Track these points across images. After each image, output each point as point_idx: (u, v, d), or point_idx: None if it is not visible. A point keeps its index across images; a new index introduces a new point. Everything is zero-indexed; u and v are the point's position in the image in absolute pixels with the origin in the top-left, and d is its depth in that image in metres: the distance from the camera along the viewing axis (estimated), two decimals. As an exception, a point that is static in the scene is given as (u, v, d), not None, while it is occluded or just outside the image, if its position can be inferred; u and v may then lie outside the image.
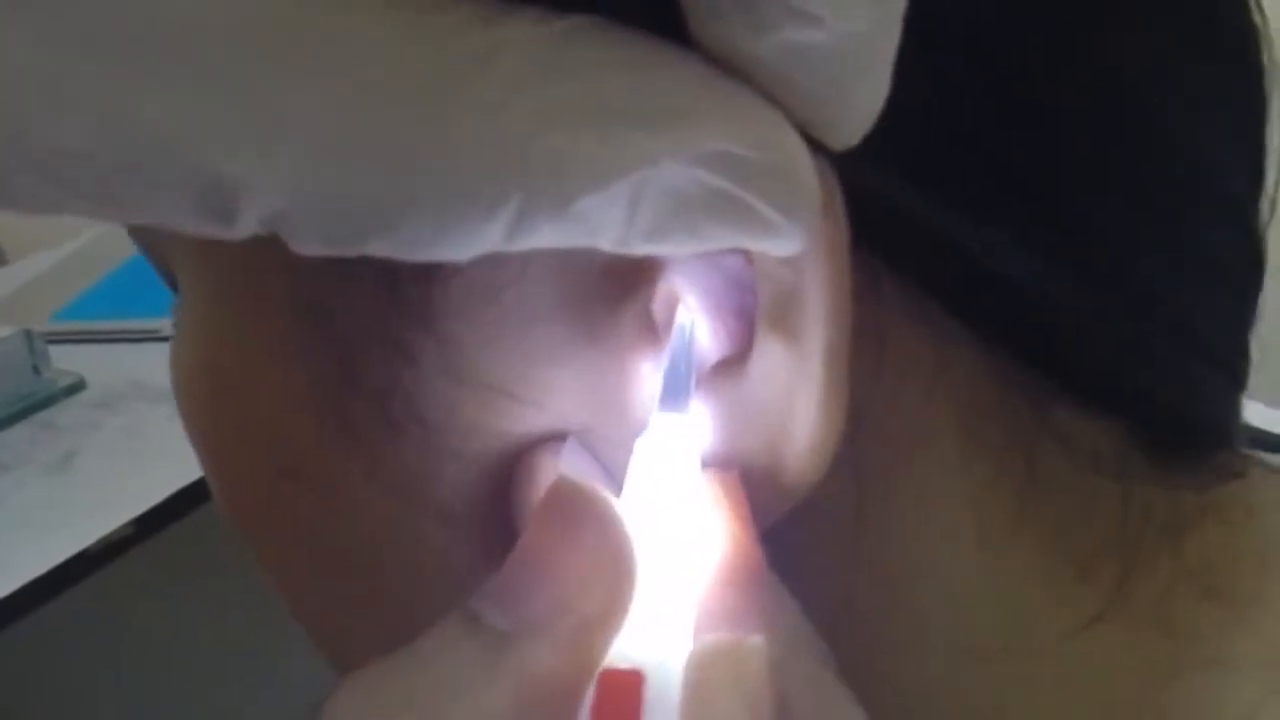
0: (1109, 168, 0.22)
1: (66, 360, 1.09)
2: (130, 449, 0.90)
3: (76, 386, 1.07)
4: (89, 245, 1.33)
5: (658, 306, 0.22)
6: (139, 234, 0.26)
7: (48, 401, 1.06)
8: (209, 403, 0.25)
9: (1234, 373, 0.27)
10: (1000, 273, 0.22)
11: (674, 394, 0.21)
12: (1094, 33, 0.21)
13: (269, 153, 0.15)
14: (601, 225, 0.17)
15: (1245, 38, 0.25)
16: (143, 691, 0.95)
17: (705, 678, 0.20)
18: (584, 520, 0.19)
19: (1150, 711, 0.24)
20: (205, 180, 0.15)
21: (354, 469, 0.23)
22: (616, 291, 0.21)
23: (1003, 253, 0.21)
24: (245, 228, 0.16)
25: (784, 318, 0.20)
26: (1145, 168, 0.23)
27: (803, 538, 0.22)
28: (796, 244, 0.18)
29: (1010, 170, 0.21)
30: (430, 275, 0.21)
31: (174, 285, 0.25)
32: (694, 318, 0.21)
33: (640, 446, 0.21)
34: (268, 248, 0.20)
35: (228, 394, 0.24)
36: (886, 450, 0.23)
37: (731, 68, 0.17)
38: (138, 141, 0.15)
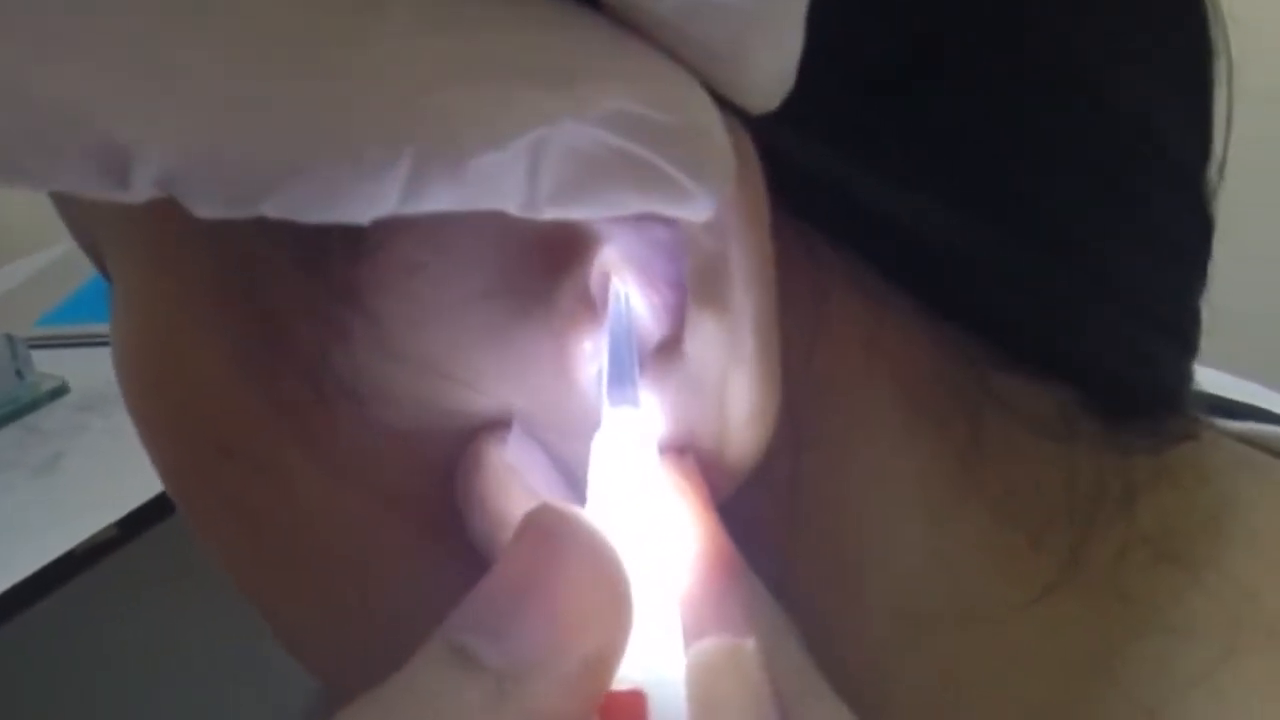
0: (1042, 130, 0.22)
1: (50, 364, 1.10)
2: (114, 451, 0.90)
3: (60, 390, 1.08)
4: (71, 252, 1.33)
5: (594, 283, 0.21)
6: (67, 215, 0.25)
7: (32, 405, 1.07)
8: (144, 382, 0.24)
9: (1184, 338, 0.26)
10: (934, 239, 0.21)
11: (620, 379, 0.20)
12: (1033, 13, 0.21)
13: (157, 114, 0.15)
14: (503, 187, 0.16)
15: (1188, 4, 0.25)
16: (129, 692, 0.96)
17: (710, 688, 0.19)
18: (575, 551, 0.18)
19: (1104, 678, 0.24)
20: (100, 145, 0.15)
21: (290, 447, 0.23)
22: (549, 267, 0.21)
23: (935, 218, 0.21)
24: (141, 191, 0.15)
25: (711, 288, 0.20)
26: (1082, 131, 0.22)
27: (744, 510, 0.22)
28: (709, 209, 0.18)
29: (938, 134, 0.21)
30: (357, 249, 0.21)
31: (104, 269, 0.25)
32: (630, 294, 0.21)
33: (597, 444, 0.21)
34: (191, 223, 0.21)
35: (161, 373, 0.24)
36: (826, 420, 0.22)
37: (638, 28, 0.17)
38: (36, 110, 0.14)
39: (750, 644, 0.19)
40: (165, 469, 0.25)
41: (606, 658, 0.18)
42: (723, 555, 0.21)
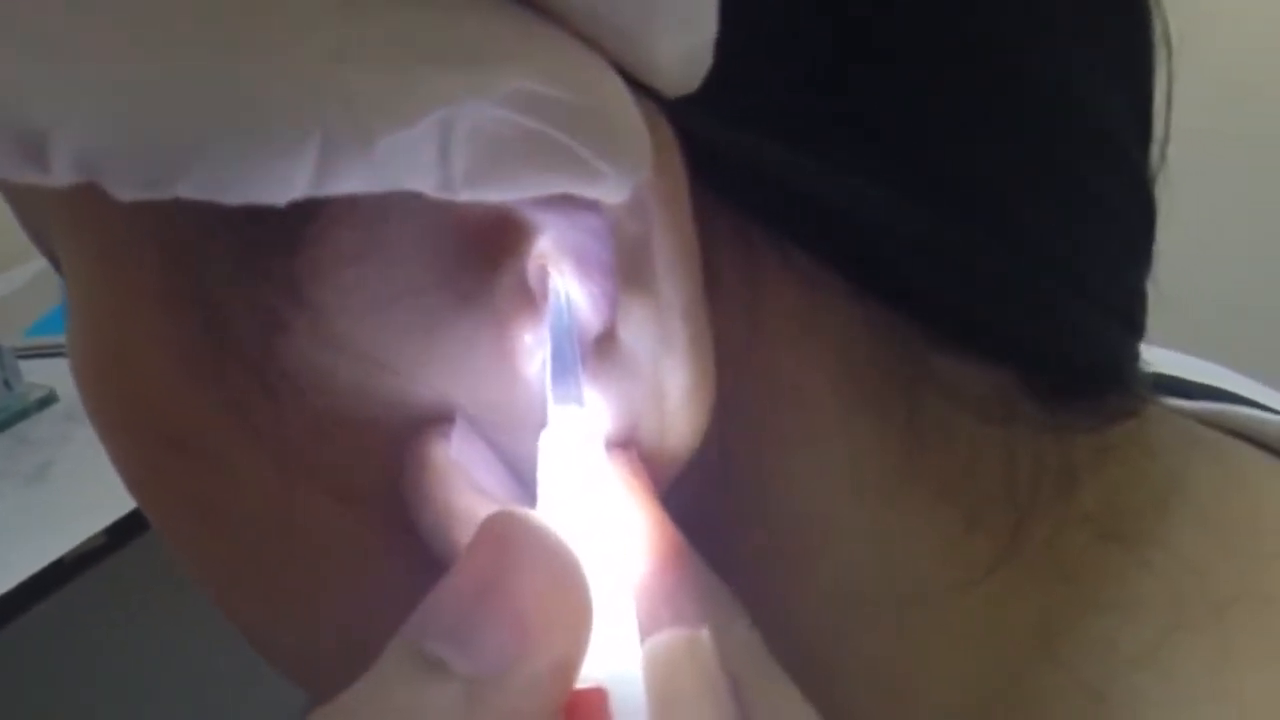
0: (972, 110, 0.22)
1: (38, 374, 1.10)
2: (103, 459, 0.91)
3: (49, 399, 1.09)
4: (59, 261, 1.34)
5: (532, 274, 0.21)
6: (20, 213, 0.26)
7: (21, 415, 1.08)
8: (96, 379, 0.24)
9: (1127, 319, 0.26)
10: (866, 221, 0.21)
11: (563, 375, 0.20)
12: None
13: (67, 98, 0.15)
14: (416, 167, 0.16)
15: None
16: (121, 697, 0.96)
17: (668, 680, 0.19)
18: (535, 556, 0.18)
19: (1049, 657, 0.24)
20: (18, 130, 0.15)
21: (238, 441, 0.23)
22: (486, 259, 0.21)
23: (865, 201, 0.21)
24: (61, 174, 0.16)
25: (637, 273, 0.20)
26: (1013, 110, 0.22)
27: (689, 497, 0.22)
28: (625, 189, 0.18)
29: (867, 115, 0.21)
30: (294, 240, 0.20)
31: (57, 265, 0.25)
32: (568, 285, 0.20)
33: (543, 443, 0.20)
34: (135, 217, 0.20)
35: (112, 370, 0.24)
36: (765, 407, 0.22)
37: (547, 11, 0.17)
38: None
39: (704, 634, 0.19)
40: (121, 465, 0.25)
41: (571, 659, 0.18)
42: (672, 546, 0.21)
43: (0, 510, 0.93)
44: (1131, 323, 0.26)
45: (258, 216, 0.20)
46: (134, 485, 0.25)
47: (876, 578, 0.24)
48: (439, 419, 0.22)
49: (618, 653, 0.19)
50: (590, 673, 0.19)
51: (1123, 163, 0.25)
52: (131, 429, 0.24)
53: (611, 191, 0.18)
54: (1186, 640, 0.24)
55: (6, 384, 1.09)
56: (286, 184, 0.16)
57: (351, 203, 0.20)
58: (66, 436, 1.01)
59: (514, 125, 0.16)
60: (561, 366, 0.20)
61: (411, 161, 0.16)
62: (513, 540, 0.18)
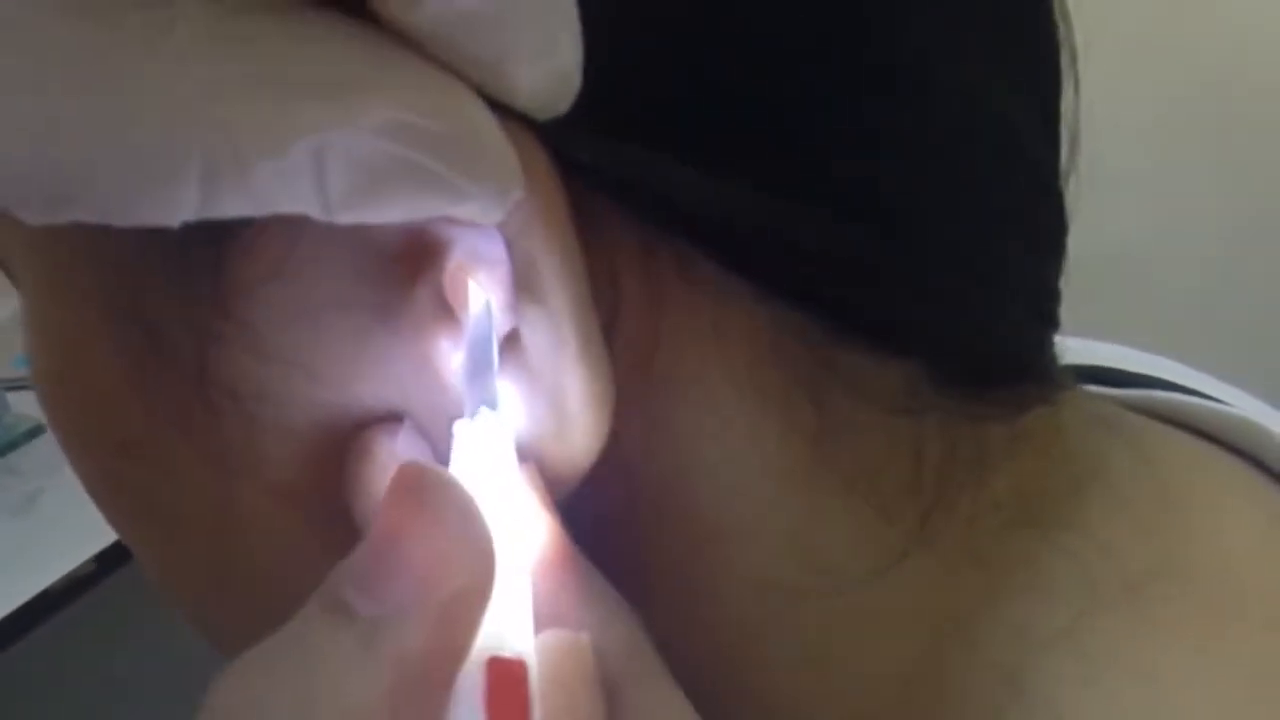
0: (865, 110, 0.22)
1: (27, 405, 1.11)
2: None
3: (37, 430, 1.09)
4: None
5: (450, 285, 0.21)
6: None
7: (9, 446, 1.09)
8: (49, 389, 0.25)
9: (1038, 310, 0.27)
10: (756, 225, 0.22)
11: (476, 381, 0.21)
12: None
13: None
14: (294, 192, 0.17)
15: None
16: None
17: (554, 668, 0.21)
18: (437, 500, 0.19)
19: (963, 642, 0.25)
20: None
21: (180, 445, 0.23)
22: (405, 272, 0.21)
23: (754, 205, 0.21)
24: None
25: (529, 283, 0.20)
26: (907, 108, 0.23)
27: (605, 497, 0.23)
28: (498, 209, 0.19)
29: (753, 121, 0.21)
30: (220, 258, 0.21)
31: (15, 280, 0.26)
32: (484, 295, 0.21)
33: (458, 436, 0.21)
34: (76, 238, 0.21)
35: (63, 380, 0.25)
36: (676, 410, 0.23)
37: (412, 42, 0.18)
38: None
39: (584, 640, 0.21)
40: (78, 471, 0.26)
41: (470, 599, 0.19)
42: (560, 552, 0.22)
43: (-10, 541, 0.94)
44: (1041, 314, 0.27)
45: (186, 236, 0.21)
46: (91, 490, 0.26)
47: (795, 567, 0.24)
48: (385, 418, 0.23)
49: (522, 633, 0.20)
50: (515, 645, 0.20)
51: (1027, 164, 0.25)
52: (84, 437, 0.25)
53: (483, 213, 0.19)
54: (1101, 620, 0.25)
55: (-5, 416, 1.10)
56: (173, 208, 0.17)
57: (268, 228, 0.21)
58: (55, 466, 1.02)
59: (385, 152, 0.17)
60: (476, 369, 0.21)
61: (289, 187, 0.17)
62: (415, 487, 0.19)
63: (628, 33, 0.19)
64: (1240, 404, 0.35)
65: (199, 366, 0.22)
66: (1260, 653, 0.25)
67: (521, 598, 0.21)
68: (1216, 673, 0.25)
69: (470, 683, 0.19)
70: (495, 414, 0.21)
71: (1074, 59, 0.27)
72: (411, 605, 0.19)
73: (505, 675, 0.20)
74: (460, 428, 0.22)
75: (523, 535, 0.21)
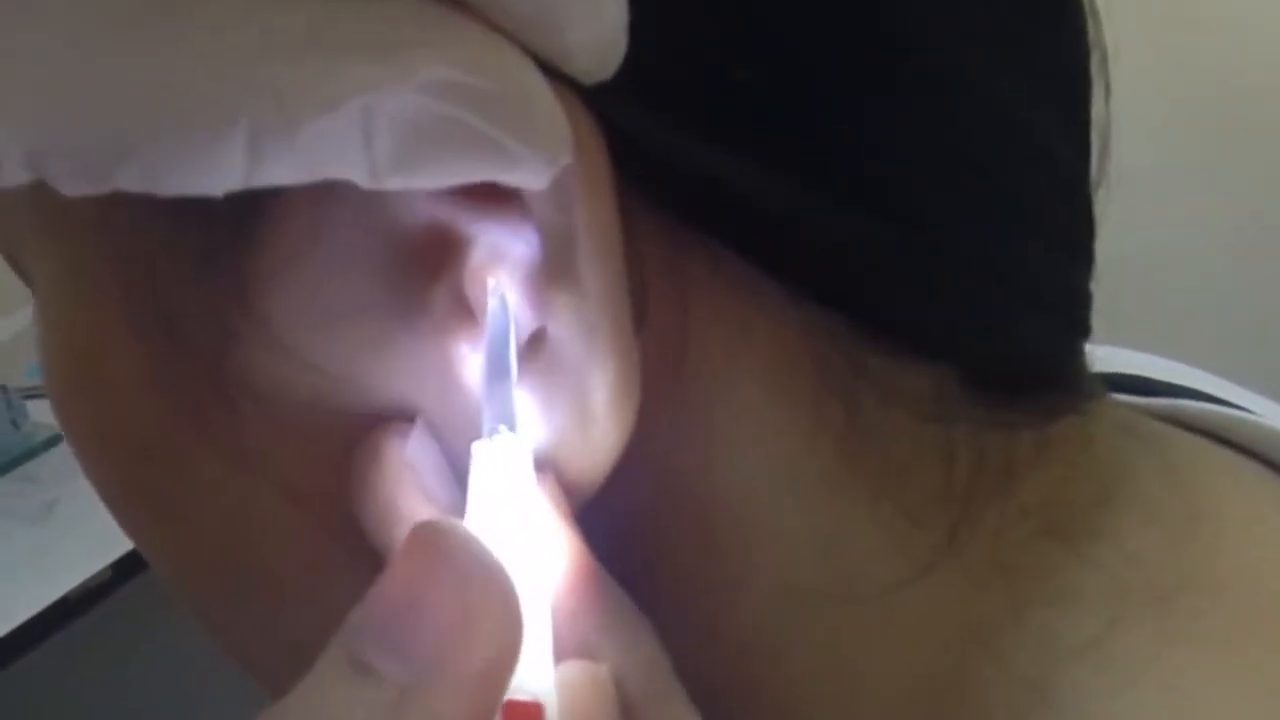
0: (901, 111, 0.22)
1: (44, 414, 1.11)
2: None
3: (55, 439, 1.09)
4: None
5: (469, 284, 0.21)
6: None
7: (28, 455, 1.09)
8: (64, 390, 0.25)
9: (1068, 317, 0.27)
10: (796, 224, 0.21)
11: (496, 394, 0.21)
12: None
13: (9, 100, 0.16)
14: (341, 154, 0.17)
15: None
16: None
17: (573, 702, 0.20)
18: (464, 563, 0.19)
19: (987, 651, 0.25)
20: None
21: (199, 447, 0.23)
22: (424, 271, 0.21)
23: (794, 203, 0.21)
24: (11, 174, 0.17)
25: (561, 262, 0.20)
26: (941, 112, 0.22)
27: (626, 498, 0.23)
28: (545, 175, 0.18)
29: (796, 118, 0.21)
30: (241, 252, 0.21)
31: (29, 280, 0.26)
32: (505, 293, 0.21)
33: (476, 456, 0.21)
34: (96, 232, 0.21)
35: (79, 380, 0.25)
36: (703, 410, 0.23)
37: (461, 2, 0.18)
38: None
39: (604, 669, 0.21)
40: (92, 474, 0.26)
41: (502, 664, 0.19)
42: (584, 569, 0.21)
43: (8, 548, 0.95)
44: (1072, 321, 0.27)
45: (209, 227, 0.21)
46: (105, 494, 0.26)
47: (819, 574, 0.24)
48: (397, 418, 0.22)
49: (543, 671, 0.20)
50: (529, 686, 0.20)
51: (1053, 169, 0.25)
52: (102, 440, 0.25)
53: (531, 177, 0.18)
54: (1128, 631, 0.24)
55: (14, 424, 1.11)
56: (219, 173, 0.17)
57: (290, 216, 0.21)
58: (72, 475, 1.01)
59: (433, 113, 0.17)
60: (494, 378, 0.21)
61: (337, 149, 0.17)
62: (441, 549, 0.19)
63: (677, 8, 0.19)
64: (1263, 410, 0.34)
65: (217, 364, 0.22)
66: None
67: (542, 633, 0.21)
68: (1244, 686, 0.24)
69: None
70: (513, 433, 0.21)
71: (1104, 62, 0.27)
72: (439, 668, 0.18)
73: (520, 717, 0.20)
74: (478, 449, 0.21)
75: (544, 560, 0.21)
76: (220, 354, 0.22)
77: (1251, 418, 0.32)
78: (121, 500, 0.26)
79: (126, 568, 0.88)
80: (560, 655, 0.21)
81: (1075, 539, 0.25)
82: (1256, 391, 0.38)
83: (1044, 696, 0.24)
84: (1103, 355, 0.35)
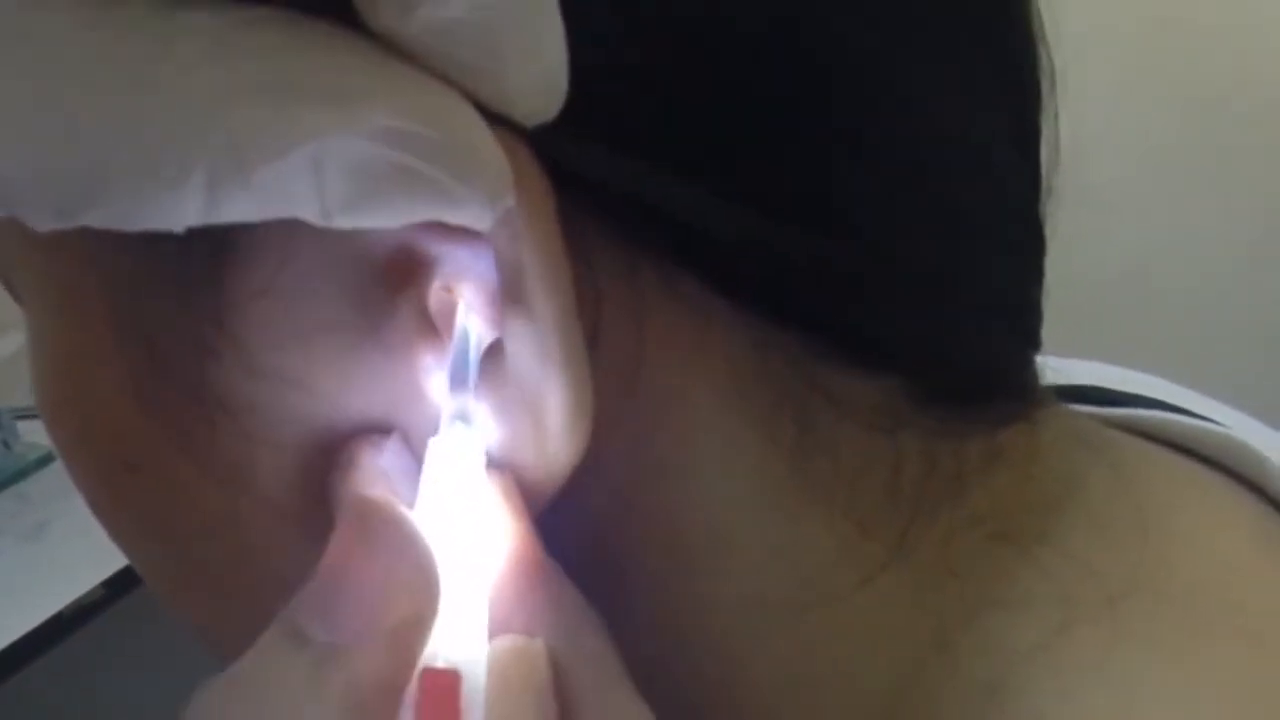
0: (840, 127, 0.22)
1: (36, 433, 1.12)
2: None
3: (47, 458, 1.10)
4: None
5: (434, 301, 0.22)
6: None
7: (20, 475, 1.09)
8: (54, 404, 0.26)
9: (1018, 328, 0.27)
10: (741, 241, 0.22)
11: (458, 391, 0.22)
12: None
13: None
14: (294, 196, 0.18)
15: (995, 2, 0.25)
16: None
17: (502, 673, 0.21)
18: (384, 533, 0.21)
19: (941, 656, 0.25)
20: None
21: (182, 460, 0.24)
22: (390, 289, 0.22)
23: (738, 221, 0.22)
24: None
25: (516, 292, 0.21)
26: (882, 127, 0.23)
27: (587, 512, 0.24)
28: (489, 215, 0.19)
29: (729, 137, 0.21)
30: (215, 275, 0.22)
31: (19, 298, 0.27)
32: (469, 310, 0.22)
33: (430, 450, 0.22)
34: (78, 252, 0.22)
35: (67, 396, 0.25)
36: (653, 422, 0.23)
37: (403, 50, 0.19)
38: None
39: (538, 644, 0.22)
40: (81, 485, 0.27)
41: (416, 625, 0.21)
42: (529, 557, 0.23)
43: (1, 567, 0.95)
44: (1021, 332, 0.27)
45: (184, 256, 0.22)
46: (93, 503, 0.27)
47: (776, 582, 0.25)
48: (375, 430, 0.23)
49: (469, 644, 0.21)
50: (449, 655, 0.21)
51: (1001, 183, 0.26)
52: (90, 453, 0.26)
53: (476, 218, 0.19)
54: (1078, 634, 0.25)
55: (5, 444, 1.11)
56: (180, 212, 0.18)
57: (261, 244, 0.22)
58: (64, 494, 1.02)
59: (380, 158, 0.18)
60: (457, 385, 0.22)
61: (290, 191, 0.18)
62: (366, 520, 0.21)
63: (615, 43, 0.20)
64: (1232, 422, 0.35)
65: (197, 382, 0.23)
66: (1235, 667, 0.25)
67: (472, 608, 0.22)
68: (1192, 686, 0.25)
69: (409, 695, 0.21)
70: (467, 428, 0.22)
71: (1054, 84, 0.28)
72: (356, 631, 0.20)
73: (436, 685, 0.21)
74: (434, 442, 0.22)
75: (487, 544, 0.22)
76: (200, 371, 0.23)
77: (1209, 426, 0.33)
78: (108, 509, 0.27)
79: (119, 585, 0.88)
80: (498, 635, 0.22)
81: (1025, 544, 0.26)
82: (1249, 401, 0.39)
83: (996, 698, 0.25)
84: (1063, 366, 0.36)
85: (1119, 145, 1.40)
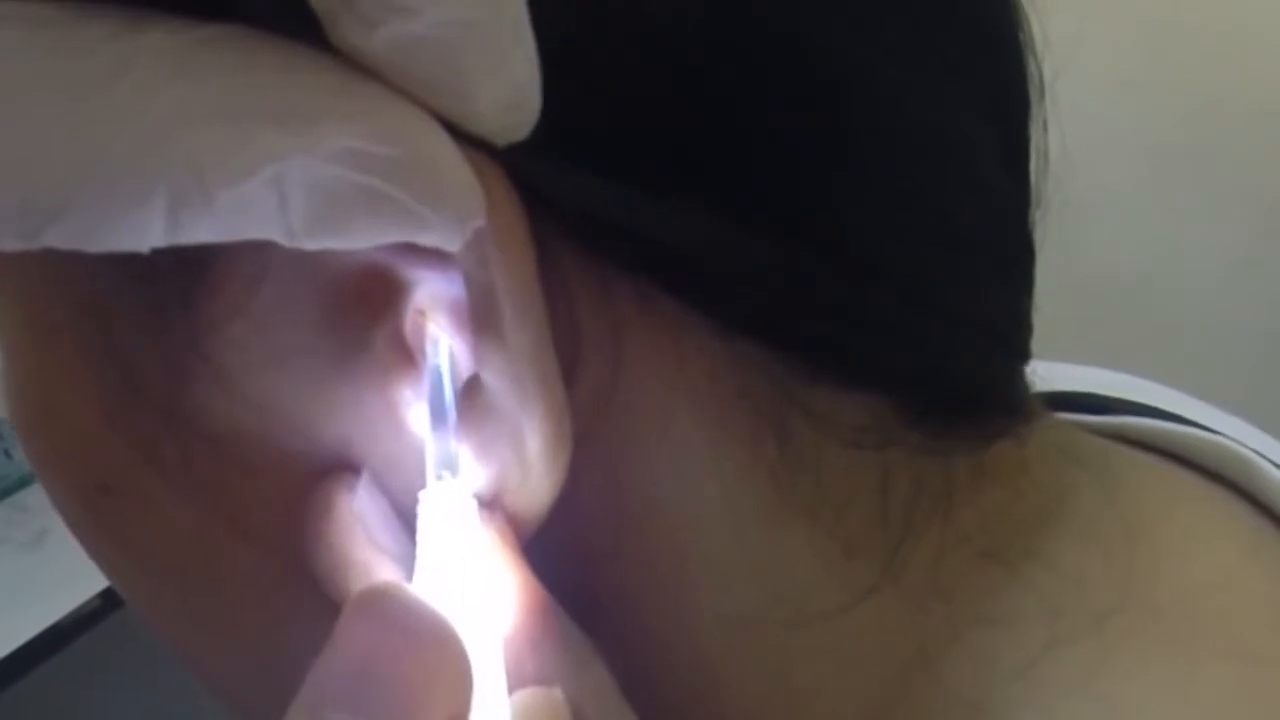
0: (823, 142, 0.22)
1: (36, 442, 1.12)
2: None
3: (46, 467, 1.10)
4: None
5: (409, 328, 0.22)
6: None
7: (20, 484, 1.09)
8: (28, 426, 0.26)
9: (1006, 344, 0.27)
10: (719, 260, 0.22)
11: (436, 433, 0.22)
12: (777, 6, 0.21)
13: None
14: (258, 217, 0.18)
15: (983, 12, 0.25)
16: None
17: None
18: (411, 624, 0.20)
19: (928, 674, 0.25)
20: None
21: (156, 482, 0.24)
22: (364, 315, 0.22)
23: (715, 239, 0.21)
24: None
25: (488, 318, 0.20)
26: (866, 142, 0.22)
27: (570, 532, 0.23)
28: (458, 236, 0.19)
29: (705, 154, 0.21)
30: (188, 296, 0.22)
31: None
32: (444, 338, 0.21)
33: (422, 505, 0.22)
34: (49, 271, 0.22)
35: (41, 417, 0.25)
36: (632, 442, 0.23)
37: (368, 69, 0.18)
38: None
39: (558, 694, 0.22)
40: (58, 505, 0.26)
41: (459, 717, 0.20)
42: (536, 601, 0.22)
43: (1, 578, 0.95)
44: (1010, 346, 0.27)
45: (156, 277, 0.22)
46: (70, 523, 0.26)
47: (760, 602, 0.24)
48: (344, 467, 0.23)
49: (493, 709, 0.21)
50: None
51: (989, 196, 0.26)
52: (65, 474, 0.26)
53: (445, 239, 0.19)
54: (1065, 651, 0.25)
55: (6, 453, 1.11)
56: (143, 233, 0.18)
57: (234, 265, 0.21)
58: (63, 503, 1.03)
59: (344, 179, 0.18)
60: (438, 425, 0.22)
61: (254, 213, 0.18)
62: (389, 612, 0.20)
63: (587, 61, 0.20)
64: (1228, 427, 0.34)
65: (170, 404, 0.23)
66: (1225, 686, 0.25)
67: (495, 671, 0.21)
68: (1178, 704, 0.25)
69: None
70: (455, 477, 0.22)
71: (1042, 95, 0.27)
72: None
73: None
74: (425, 496, 0.22)
75: (495, 599, 0.22)
76: (173, 394, 0.23)
77: (1201, 434, 0.32)
78: (84, 529, 0.26)
79: (117, 595, 0.88)
80: (518, 686, 0.22)
81: (1013, 561, 0.26)
82: (1249, 411, 0.39)
83: (982, 716, 0.25)
84: (1058, 373, 0.35)
85: (1117, 149, 1.39)
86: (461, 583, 0.21)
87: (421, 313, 0.22)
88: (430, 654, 0.20)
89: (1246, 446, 0.32)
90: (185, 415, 0.23)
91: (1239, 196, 1.50)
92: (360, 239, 0.19)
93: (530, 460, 0.22)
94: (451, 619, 0.20)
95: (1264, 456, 0.32)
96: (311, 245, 0.18)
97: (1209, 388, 0.42)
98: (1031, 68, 0.27)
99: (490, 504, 0.22)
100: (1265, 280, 1.51)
